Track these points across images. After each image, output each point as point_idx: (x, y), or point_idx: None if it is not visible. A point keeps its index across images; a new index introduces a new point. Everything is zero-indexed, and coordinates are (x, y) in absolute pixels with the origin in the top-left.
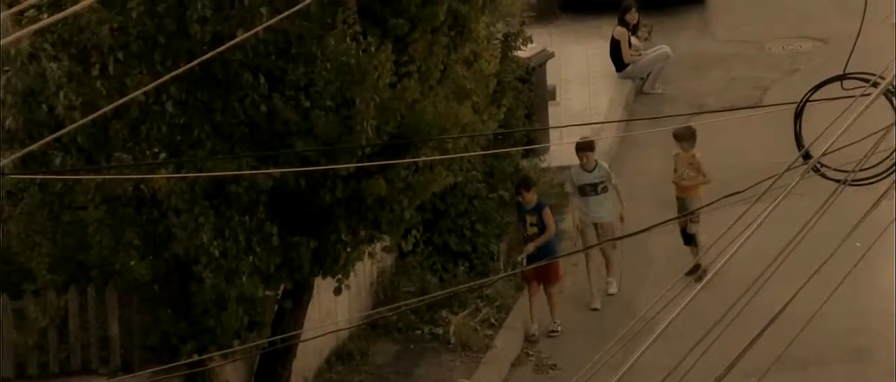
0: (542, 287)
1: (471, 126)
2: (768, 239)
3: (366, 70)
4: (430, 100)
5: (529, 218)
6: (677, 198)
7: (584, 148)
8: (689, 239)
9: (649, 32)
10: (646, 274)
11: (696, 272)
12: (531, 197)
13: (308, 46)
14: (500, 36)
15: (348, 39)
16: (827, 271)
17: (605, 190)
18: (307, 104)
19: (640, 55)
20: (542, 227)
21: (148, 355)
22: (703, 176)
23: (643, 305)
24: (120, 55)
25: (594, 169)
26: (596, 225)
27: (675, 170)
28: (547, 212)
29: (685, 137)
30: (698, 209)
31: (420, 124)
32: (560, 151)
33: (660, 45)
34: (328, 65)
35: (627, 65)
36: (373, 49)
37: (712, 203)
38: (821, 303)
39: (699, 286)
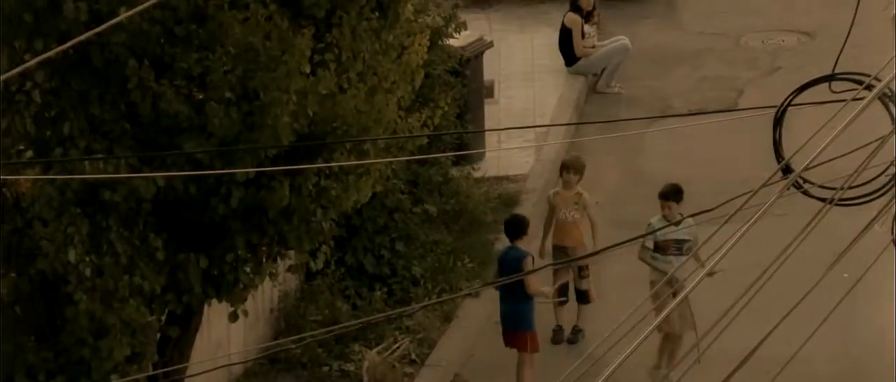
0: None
1: (397, 127)
2: (740, 268)
3: (275, 57)
4: (351, 94)
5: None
6: (557, 248)
7: (672, 196)
8: (584, 297)
9: (598, 17)
10: (597, 308)
11: (577, 335)
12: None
13: (204, 28)
14: (431, 22)
15: (261, 19)
16: (810, 306)
17: (689, 251)
18: (201, 96)
19: (594, 47)
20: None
21: None
22: (588, 217)
23: (593, 342)
24: None
25: (681, 223)
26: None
27: (555, 211)
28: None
29: (575, 168)
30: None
31: (336, 123)
32: (498, 158)
33: (617, 36)
34: (230, 50)
35: (579, 58)
36: (279, 33)
37: (676, 223)
38: (801, 344)
39: (658, 319)
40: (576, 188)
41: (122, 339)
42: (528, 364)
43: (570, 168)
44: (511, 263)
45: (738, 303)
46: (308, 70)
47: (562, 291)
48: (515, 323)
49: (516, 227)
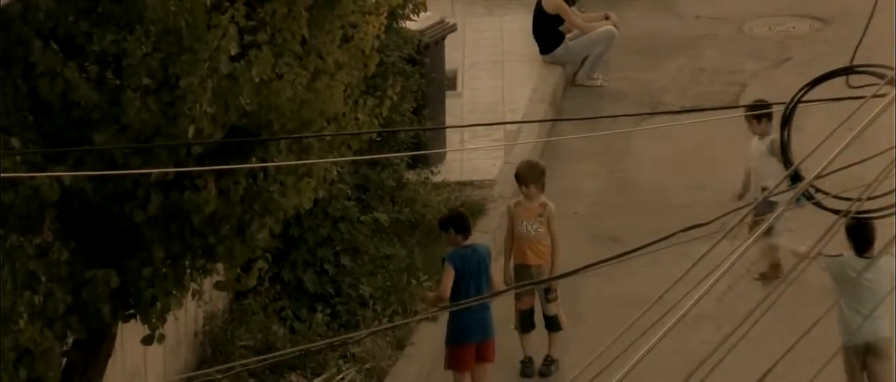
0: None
1: (344, 121)
2: (739, 290)
3: (199, 37)
4: (288, 79)
5: None
6: (520, 268)
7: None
8: (553, 324)
9: None
10: (573, 334)
11: (550, 366)
12: None
13: (121, 4)
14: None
15: None
16: (820, 337)
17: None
18: (116, 83)
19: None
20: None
21: None
22: (550, 233)
23: (569, 373)
24: None
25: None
26: (870, 350)
27: (516, 226)
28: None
29: (533, 178)
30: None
31: (271, 115)
32: (460, 160)
33: (601, 20)
34: (150, 29)
35: (557, 45)
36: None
37: (665, 238)
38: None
39: (646, 349)
40: (540, 198)
41: (16, 364)
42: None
43: (523, 179)
44: (482, 260)
45: (738, 332)
46: (236, 51)
47: (526, 317)
48: (491, 331)
49: (468, 221)
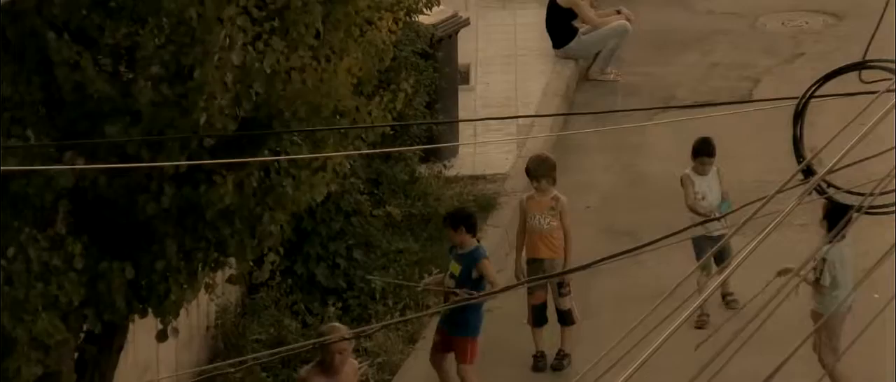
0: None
1: (357, 115)
2: (753, 285)
3: (210, 28)
4: (299, 65)
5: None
6: (532, 262)
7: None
8: (566, 318)
9: None
10: (586, 329)
11: (562, 361)
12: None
13: None
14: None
15: None
16: None
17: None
18: (130, 76)
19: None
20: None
21: None
22: (563, 226)
23: (581, 368)
24: None
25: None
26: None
27: (527, 220)
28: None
29: (543, 173)
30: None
31: (282, 105)
32: (473, 154)
33: (614, 15)
34: (164, 20)
35: (570, 40)
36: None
37: (678, 233)
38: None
39: (658, 343)
40: (552, 192)
41: (32, 355)
42: None
43: (533, 174)
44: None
45: (750, 326)
46: (246, 40)
47: (538, 312)
48: None
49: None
